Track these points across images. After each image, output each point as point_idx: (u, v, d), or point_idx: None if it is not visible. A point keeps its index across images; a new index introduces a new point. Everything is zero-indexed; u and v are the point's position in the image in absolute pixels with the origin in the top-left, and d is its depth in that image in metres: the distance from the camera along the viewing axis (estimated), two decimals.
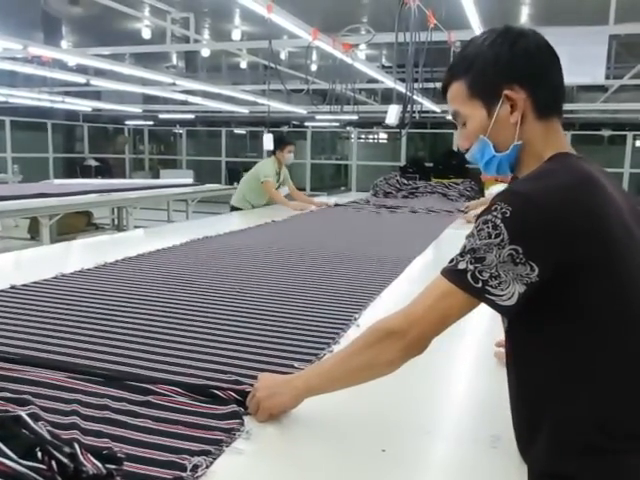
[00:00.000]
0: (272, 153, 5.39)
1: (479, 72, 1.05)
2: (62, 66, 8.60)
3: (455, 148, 14.83)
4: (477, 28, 4.60)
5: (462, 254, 0.96)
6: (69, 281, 2.30)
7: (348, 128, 16.62)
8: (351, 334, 1.70)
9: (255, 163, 5.95)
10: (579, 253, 0.90)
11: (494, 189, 6.36)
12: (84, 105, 12.52)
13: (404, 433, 1.17)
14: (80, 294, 2.10)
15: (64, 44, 10.71)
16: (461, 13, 4.31)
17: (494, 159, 1.07)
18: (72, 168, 15.74)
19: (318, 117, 13.52)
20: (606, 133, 14.73)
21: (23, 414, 0.94)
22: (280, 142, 5.41)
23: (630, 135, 13.75)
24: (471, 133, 1.09)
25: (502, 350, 1.08)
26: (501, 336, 1.06)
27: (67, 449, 0.85)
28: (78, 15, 8.70)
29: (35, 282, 2.25)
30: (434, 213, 5.17)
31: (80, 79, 8.60)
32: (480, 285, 0.93)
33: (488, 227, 0.93)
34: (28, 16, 9.42)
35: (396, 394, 1.31)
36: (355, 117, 10.06)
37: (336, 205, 5.57)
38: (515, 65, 1.03)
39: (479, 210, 1.03)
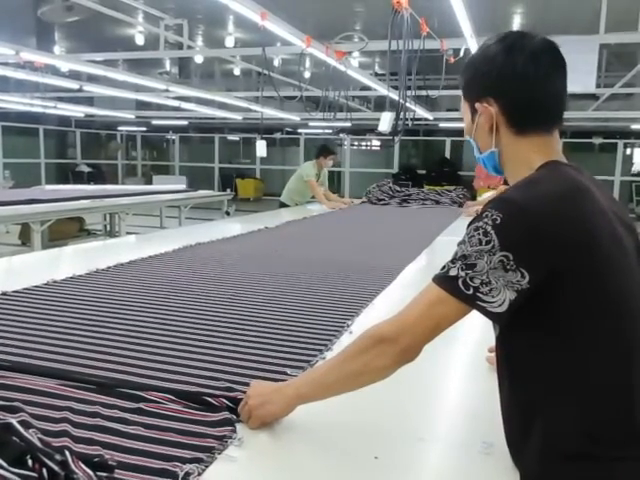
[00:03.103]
0: (315, 157, 6.24)
1: (467, 78, 1.12)
2: (55, 72, 8.59)
3: (448, 155, 14.96)
4: (469, 36, 4.64)
5: (453, 261, 0.97)
6: (60, 287, 2.29)
7: (341, 135, 16.67)
8: (344, 341, 1.70)
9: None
10: (568, 260, 0.91)
11: (486, 196, 6.42)
12: (77, 111, 12.51)
13: (396, 440, 1.17)
14: (71, 301, 2.09)
15: (57, 50, 10.69)
16: (454, 21, 4.34)
17: (479, 158, 1.14)
18: (64, 174, 15.70)
19: (311, 124, 13.56)
20: (597, 141, 14.85)
21: (13, 421, 0.93)
22: (325, 150, 6.24)
23: (621, 143, 13.89)
24: (465, 130, 1.17)
25: (494, 355, 1.08)
26: (493, 341, 1.07)
27: (58, 456, 0.85)
28: (72, 21, 8.69)
29: (26, 288, 2.24)
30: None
31: (73, 85, 8.59)
32: (471, 292, 0.93)
33: (479, 234, 0.93)
34: (21, 22, 9.41)
35: (388, 401, 1.31)
36: (348, 124, 10.09)
37: (362, 202, 6.49)
38: (491, 80, 1.05)
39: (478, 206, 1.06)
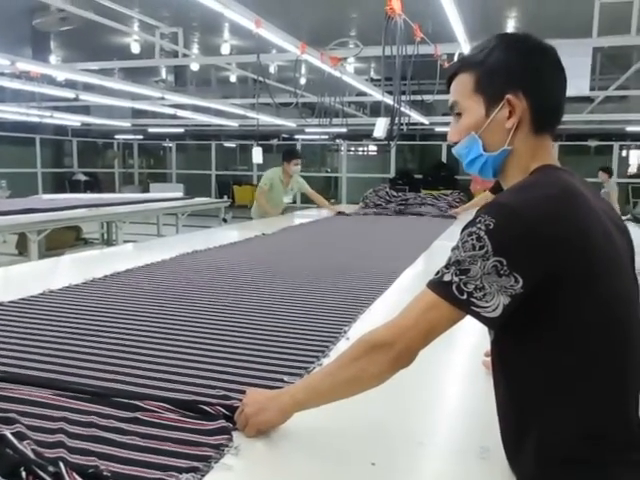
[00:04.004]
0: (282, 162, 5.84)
1: (489, 69, 1.05)
2: (51, 81, 8.60)
3: (444, 160, 15.00)
4: (463, 41, 4.66)
5: (447, 266, 0.97)
6: (57, 297, 2.29)
7: (337, 141, 16.70)
8: (341, 347, 1.70)
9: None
10: (562, 265, 0.91)
11: (478, 199, 6.41)
12: (73, 120, 12.53)
13: (394, 445, 1.17)
14: (67, 310, 2.09)
15: (53, 59, 10.71)
16: (447, 27, 4.37)
17: (480, 158, 1.08)
18: (61, 183, 15.69)
19: (307, 130, 13.59)
20: (592, 143, 14.90)
21: (7, 433, 0.93)
22: (287, 155, 5.86)
23: (616, 145, 13.93)
24: (464, 127, 1.09)
25: (490, 359, 1.08)
26: (489, 346, 1.07)
27: (51, 468, 0.84)
28: (67, 30, 8.71)
29: (22, 298, 2.23)
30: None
31: (69, 94, 8.60)
32: (465, 297, 0.93)
33: (472, 239, 0.93)
34: (17, 31, 9.43)
35: (385, 406, 1.31)
36: (344, 130, 10.12)
37: (339, 213, 5.93)
38: (525, 74, 1.04)
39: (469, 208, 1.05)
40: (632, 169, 16.72)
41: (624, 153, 15.78)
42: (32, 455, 0.89)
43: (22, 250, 6.15)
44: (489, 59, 1.06)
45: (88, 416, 1.21)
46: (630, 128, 13.33)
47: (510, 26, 9.15)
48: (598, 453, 0.91)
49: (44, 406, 1.26)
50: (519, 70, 1.03)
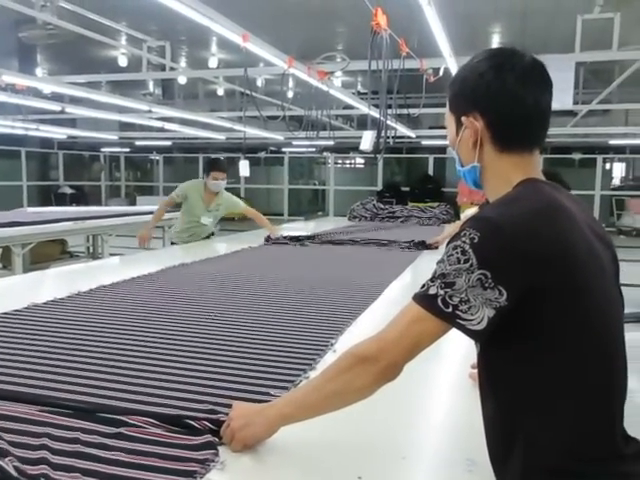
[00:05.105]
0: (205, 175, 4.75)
1: (455, 90, 1.11)
2: (37, 93, 8.57)
3: (431, 172, 15.10)
4: (448, 56, 4.72)
5: (433, 279, 0.97)
6: (41, 311, 2.26)
7: (325, 153, 16.75)
8: (328, 359, 1.69)
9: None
10: (546, 278, 0.92)
11: (469, 212, 6.44)
12: (59, 133, 12.45)
13: (380, 459, 1.17)
14: (52, 325, 2.06)
15: (39, 72, 10.67)
16: (432, 41, 4.42)
17: (460, 171, 1.15)
18: (47, 196, 15.59)
19: (295, 143, 13.64)
20: (577, 156, 15.09)
21: None
22: (207, 166, 4.83)
23: (600, 158, 14.13)
24: (449, 141, 1.16)
25: (477, 372, 1.08)
26: (476, 358, 1.07)
27: None
28: (54, 43, 8.70)
29: (5, 313, 2.20)
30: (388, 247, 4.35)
31: (55, 107, 8.57)
32: (450, 310, 0.94)
33: (457, 252, 0.94)
34: (3, 44, 9.39)
35: (371, 420, 1.31)
36: (331, 142, 10.17)
37: (267, 239, 4.52)
38: (479, 95, 1.05)
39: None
40: (615, 181, 16.94)
41: (607, 166, 15.99)
42: (14, 472, 0.88)
43: (6, 264, 6.07)
44: (457, 79, 1.12)
45: (72, 432, 1.19)
46: (613, 141, 13.54)
47: (495, 41, 9.27)
48: (584, 465, 0.92)
49: (27, 422, 1.24)
50: (474, 91, 1.06)
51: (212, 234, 4.98)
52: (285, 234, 4.71)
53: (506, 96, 1.04)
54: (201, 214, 4.70)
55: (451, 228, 4.86)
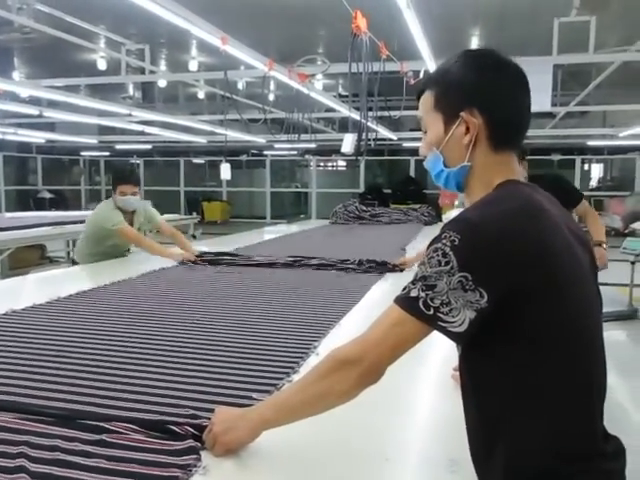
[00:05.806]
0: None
1: (446, 87, 1.08)
2: (14, 97, 8.46)
3: (413, 174, 15.18)
4: (428, 59, 4.75)
5: (414, 282, 0.97)
6: (19, 318, 2.23)
7: (307, 156, 16.75)
8: (311, 362, 1.69)
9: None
10: (526, 279, 0.92)
11: (452, 214, 6.48)
12: (37, 137, 12.31)
13: (363, 461, 1.17)
14: (31, 331, 2.04)
15: (16, 75, 10.54)
16: (412, 44, 4.45)
17: (442, 173, 1.11)
18: (25, 201, 15.37)
19: (277, 146, 13.61)
20: (556, 158, 15.28)
21: None
22: (112, 181, 4.01)
23: (578, 159, 14.32)
24: (429, 143, 1.12)
25: (458, 373, 1.09)
26: (457, 360, 1.07)
27: None
28: (32, 47, 8.60)
29: None
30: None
31: (33, 111, 8.47)
32: (432, 312, 0.94)
33: (438, 255, 0.94)
34: None
35: (354, 422, 1.30)
36: (313, 145, 10.17)
37: (182, 263, 3.60)
38: (480, 91, 1.05)
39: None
40: (593, 182, 17.17)
41: (586, 167, 16.21)
42: None
43: None
44: (447, 77, 1.08)
45: (52, 439, 1.18)
46: (591, 142, 13.73)
47: (474, 44, 9.36)
48: (566, 464, 0.92)
49: (4, 430, 1.22)
50: (474, 87, 1.05)
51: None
52: (208, 251, 3.90)
53: (505, 94, 1.05)
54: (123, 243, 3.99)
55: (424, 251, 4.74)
